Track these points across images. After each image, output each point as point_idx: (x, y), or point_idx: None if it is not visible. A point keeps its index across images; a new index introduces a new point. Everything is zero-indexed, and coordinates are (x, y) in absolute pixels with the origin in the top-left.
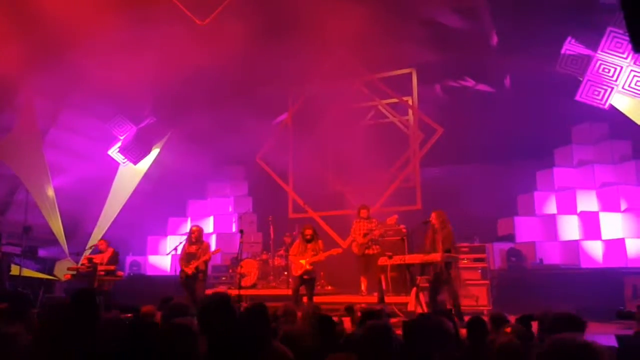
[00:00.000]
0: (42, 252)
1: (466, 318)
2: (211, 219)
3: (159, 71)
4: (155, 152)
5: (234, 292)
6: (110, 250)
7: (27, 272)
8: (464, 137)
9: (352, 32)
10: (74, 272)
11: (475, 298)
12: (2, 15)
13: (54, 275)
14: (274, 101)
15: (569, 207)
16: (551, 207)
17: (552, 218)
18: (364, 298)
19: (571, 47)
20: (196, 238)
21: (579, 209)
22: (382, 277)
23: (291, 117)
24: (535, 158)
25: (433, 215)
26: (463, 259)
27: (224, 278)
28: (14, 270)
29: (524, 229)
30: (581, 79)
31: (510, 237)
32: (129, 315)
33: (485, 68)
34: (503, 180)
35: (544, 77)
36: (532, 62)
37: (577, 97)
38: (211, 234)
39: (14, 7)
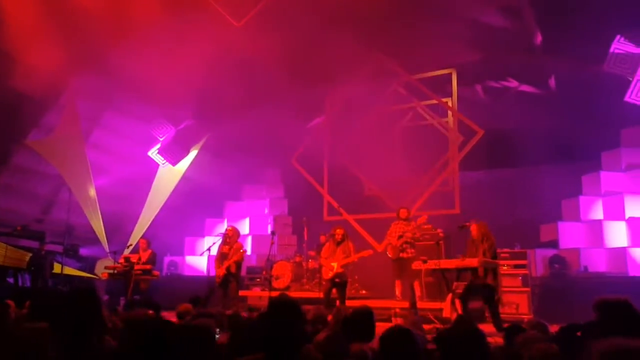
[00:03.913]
0: (83, 251)
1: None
2: (247, 220)
3: (197, 73)
4: (193, 153)
5: (265, 293)
6: (149, 251)
7: (68, 270)
8: (506, 139)
9: (391, 32)
10: (112, 271)
11: (516, 306)
12: (46, 17)
13: (94, 274)
14: (311, 103)
15: (616, 212)
16: (597, 213)
17: (598, 224)
18: (399, 303)
19: (620, 45)
20: (230, 239)
21: (627, 215)
22: (416, 282)
23: (328, 119)
24: (581, 161)
25: (474, 226)
26: (503, 266)
27: (258, 279)
28: (56, 268)
29: (568, 235)
30: (631, 79)
31: (553, 244)
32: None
33: (529, 68)
34: (546, 184)
35: (591, 78)
36: (578, 61)
37: (627, 98)
38: (247, 235)
39: (58, 10)
